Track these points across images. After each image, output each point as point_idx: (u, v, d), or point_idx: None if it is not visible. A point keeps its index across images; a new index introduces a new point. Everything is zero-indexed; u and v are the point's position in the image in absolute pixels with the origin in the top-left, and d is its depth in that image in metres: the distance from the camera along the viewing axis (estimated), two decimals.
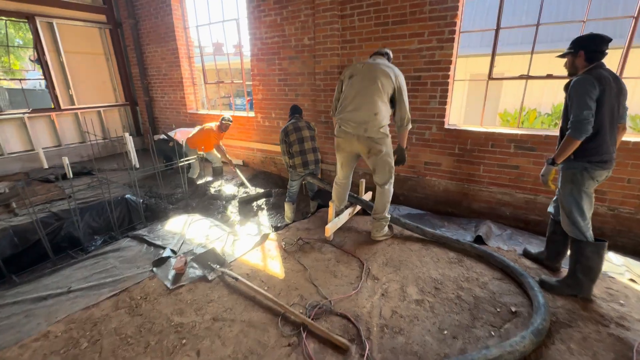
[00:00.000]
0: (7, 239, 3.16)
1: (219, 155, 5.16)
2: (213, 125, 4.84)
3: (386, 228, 2.92)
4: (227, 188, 4.75)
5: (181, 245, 2.85)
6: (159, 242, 2.86)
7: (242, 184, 4.82)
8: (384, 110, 2.58)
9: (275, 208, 4.31)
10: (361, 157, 2.81)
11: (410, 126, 2.67)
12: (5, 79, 7.45)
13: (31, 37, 5.58)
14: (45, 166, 5.45)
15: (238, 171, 4.86)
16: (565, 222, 2.07)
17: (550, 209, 2.32)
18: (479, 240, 2.82)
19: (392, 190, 2.81)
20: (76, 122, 6.36)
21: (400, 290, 2.20)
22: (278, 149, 5.11)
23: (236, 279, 2.25)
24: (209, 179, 5.08)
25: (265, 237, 2.92)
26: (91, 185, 4.39)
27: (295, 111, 3.74)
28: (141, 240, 2.94)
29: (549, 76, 3.19)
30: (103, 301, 2.14)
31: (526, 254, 2.61)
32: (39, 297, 2.19)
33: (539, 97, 8.59)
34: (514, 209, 3.49)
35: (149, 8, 6.07)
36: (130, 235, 3.04)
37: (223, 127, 4.80)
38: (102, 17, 6.43)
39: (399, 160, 2.81)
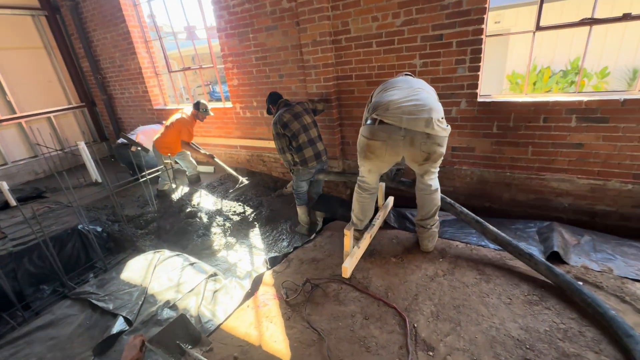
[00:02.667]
0: None
1: (192, 161, 4.25)
2: (183, 115, 3.89)
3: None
4: (207, 200, 3.88)
5: (141, 305, 2.03)
6: (109, 305, 2.03)
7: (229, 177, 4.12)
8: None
9: (271, 222, 3.47)
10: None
11: None
12: None
13: None
14: None
15: (218, 160, 4.00)
16: None
17: None
18: (554, 257, 2.03)
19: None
20: (22, 134, 5.33)
21: None
22: (265, 144, 4.21)
23: None
24: (185, 189, 4.20)
25: (257, 281, 2.09)
26: (36, 215, 3.48)
27: (277, 98, 3.04)
28: (85, 302, 2.10)
29: (627, 17, 2.30)
30: None
31: None
32: None
33: (551, 53, 7.66)
34: (574, 199, 2.71)
35: None
36: (72, 295, 2.20)
37: (200, 116, 3.89)
38: (34, 2, 5.25)
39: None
